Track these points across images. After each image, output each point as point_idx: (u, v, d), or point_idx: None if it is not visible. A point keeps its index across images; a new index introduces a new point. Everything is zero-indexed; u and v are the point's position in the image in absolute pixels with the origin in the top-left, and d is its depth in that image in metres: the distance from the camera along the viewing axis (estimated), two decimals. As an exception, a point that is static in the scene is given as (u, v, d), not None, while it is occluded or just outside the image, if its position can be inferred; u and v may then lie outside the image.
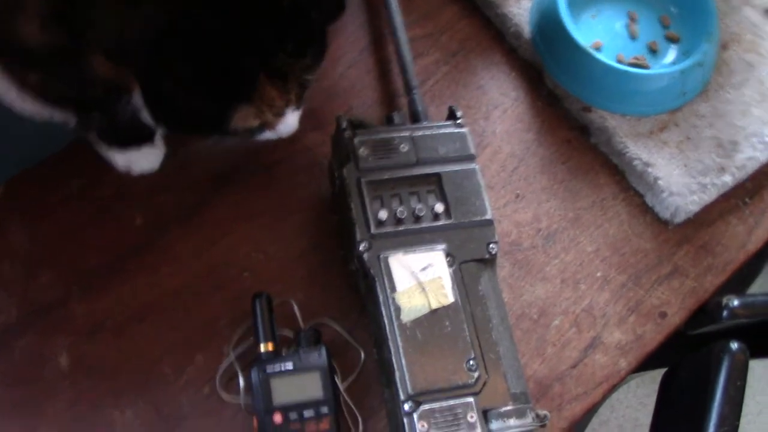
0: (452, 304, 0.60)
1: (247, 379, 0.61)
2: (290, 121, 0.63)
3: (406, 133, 0.65)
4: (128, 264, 0.67)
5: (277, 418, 0.59)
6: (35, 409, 0.61)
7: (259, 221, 0.69)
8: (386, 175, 0.64)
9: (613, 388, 0.66)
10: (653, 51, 0.75)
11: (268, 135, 0.63)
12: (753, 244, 0.71)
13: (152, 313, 0.65)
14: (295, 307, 0.65)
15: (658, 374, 0.87)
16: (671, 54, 0.75)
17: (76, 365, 0.63)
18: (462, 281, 0.61)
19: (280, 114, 0.62)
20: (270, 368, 0.60)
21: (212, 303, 0.66)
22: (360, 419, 0.62)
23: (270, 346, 0.61)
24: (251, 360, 0.62)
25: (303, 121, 0.72)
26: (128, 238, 0.68)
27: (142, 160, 0.67)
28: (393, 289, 0.60)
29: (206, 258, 0.67)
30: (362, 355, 0.65)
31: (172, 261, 0.67)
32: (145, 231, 0.68)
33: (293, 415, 0.59)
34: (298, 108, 0.63)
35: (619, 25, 0.77)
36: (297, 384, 0.60)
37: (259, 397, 0.60)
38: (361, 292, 0.65)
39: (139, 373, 0.63)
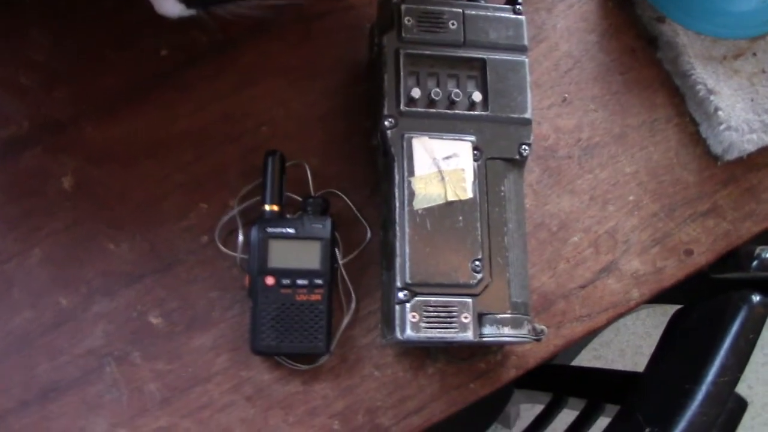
0: (470, 199, 0.57)
1: (247, 236, 0.60)
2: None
3: (459, 10, 0.60)
4: (147, 95, 0.64)
5: (270, 280, 0.58)
6: (32, 226, 0.60)
7: (288, 76, 0.66)
8: (428, 51, 0.59)
9: (619, 317, 0.63)
10: (749, -32, 0.68)
11: None
12: (804, 197, 0.66)
13: (163, 150, 0.63)
14: (308, 172, 0.62)
15: (670, 308, 0.84)
16: (768, -26, 0.67)
17: (79, 189, 0.61)
18: (485, 178, 0.58)
19: None
20: (271, 229, 0.58)
21: (225, 152, 0.63)
22: (354, 297, 0.61)
23: (275, 207, 0.59)
24: (254, 218, 0.60)
25: (352, -24, 0.68)
26: (151, 68, 0.64)
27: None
28: (411, 172, 0.57)
29: (227, 104, 0.64)
30: (369, 233, 0.62)
31: (191, 101, 0.64)
32: (170, 64, 0.65)
33: (286, 281, 0.58)
34: None
35: (719, -70, 0.69)
36: (296, 250, 0.58)
37: (255, 255, 0.58)
38: (379, 169, 0.62)
39: (141, 209, 0.62)
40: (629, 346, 1.51)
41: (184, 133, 0.63)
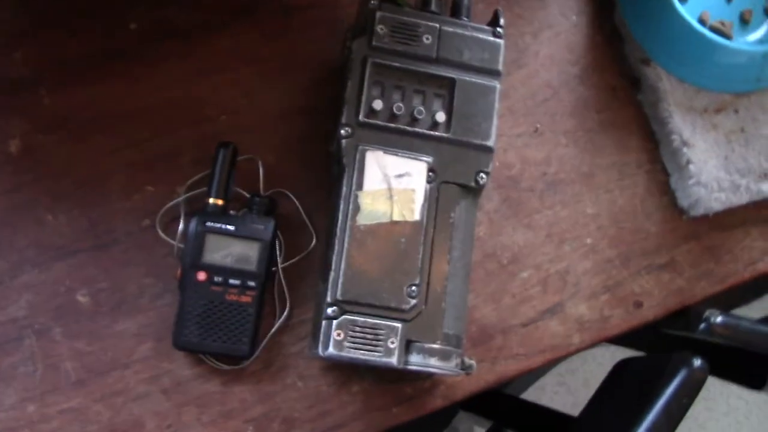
0: (416, 221, 0.55)
1: (186, 226, 0.58)
2: None
3: (436, 24, 0.58)
4: (108, 66, 0.62)
5: (201, 275, 0.56)
6: (-30, 183, 0.59)
7: (259, 67, 0.64)
8: (397, 63, 0.57)
9: (556, 360, 0.61)
10: (745, 21, 0.65)
11: None
12: (765, 264, 0.64)
13: (118, 125, 0.61)
14: (261, 169, 0.61)
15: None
16: (762, 30, 0.65)
17: (25, 154, 0.60)
18: (436, 202, 0.56)
19: None
20: (210, 223, 0.56)
21: (180, 136, 0.61)
22: (288, 304, 0.59)
23: (219, 201, 0.57)
24: (199, 208, 0.59)
25: (338, -27, 0.66)
26: (117, 40, 0.63)
27: None
28: (360, 186, 0.55)
29: (189, 87, 0.62)
30: (314, 240, 0.61)
31: (154, 78, 0.62)
32: (137, 38, 0.63)
33: (218, 278, 0.56)
34: None
35: (719, -22, 0.67)
36: (233, 248, 0.57)
37: (189, 247, 0.56)
38: (333, 177, 0.60)
39: (85, 183, 0.60)
40: (593, 376, 1.50)
41: (142, 110, 0.62)
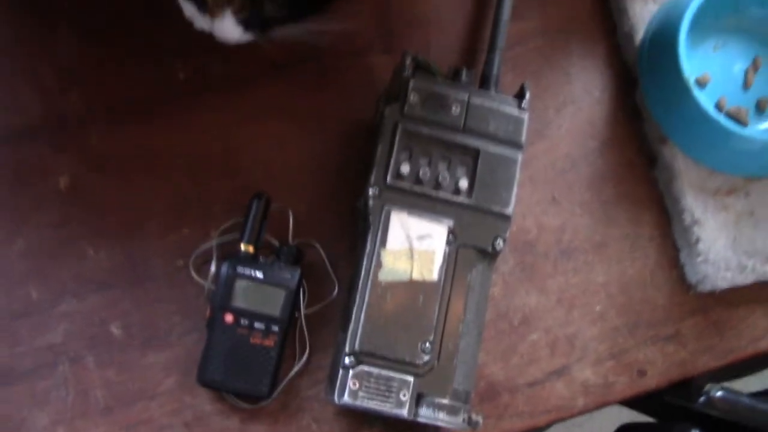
0: (434, 281, 0.58)
1: (218, 270, 0.62)
2: (225, 25, 0.58)
3: (464, 96, 0.61)
4: (156, 113, 0.66)
5: (229, 317, 0.60)
6: (21, 216, 0.63)
7: (294, 121, 0.68)
8: (426, 131, 0.61)
9: (560, 420, 0.64)
10: (761, 109, 0.68)
11: (200, 22, 0.59)
12: (767, 342, 0.67)
13: (160, 168, 0.65)
14: (291, 219, 0.64)
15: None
16: (777, 119, 0.68)
17: (73, 190, 0.64)
18: (454, 264, 0.59)
19: (218, 2, 0.57)
20: (241, 269, 0.60)
21: (218, 183, 0.65)
22: (308, 349, 0.62)
23: (251, 248, 0.61)
24: (230, 253, 0.62)
25: (377, 39, 0.70)
26: (165, 87, 0.67)
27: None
28: (384, 244, 0.59)
29: (228, 136, 0.66)
30: (336, 290, 0.64)
31: (197, 127, 0.66)
32: (184, 87, 0.67)
33: (244, 321, 0.60)
34: (238, 20, 0.58)
35: (738, 67, 0.69)
36: (260, 294, 0.60)
37: (220, 290, 0.60)
38: (358, 232, 0.64)
39: (126, 222, 0.64)
40: None
41: (184, 156, 0.66)
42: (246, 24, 0.59)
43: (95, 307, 0.62)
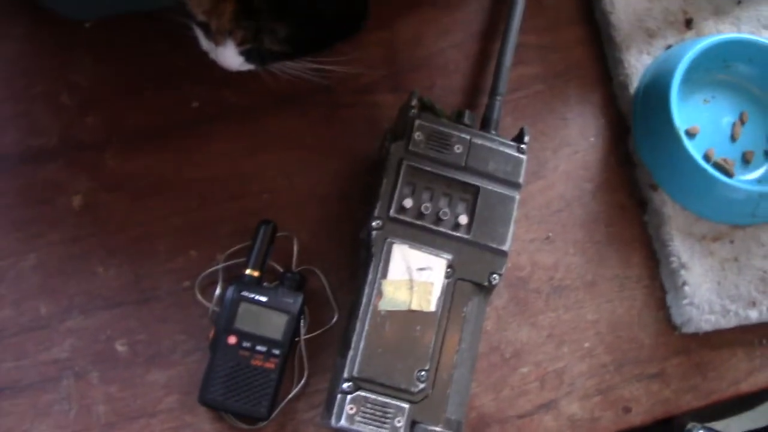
0: (432, 312, 0.61)
1: (223, 292, 0.64)
2: (226, 53, 0.62)
3: (467, 136, 0.64)
4: (169, 138, 0.69)
5: (232, 339, 0.62)
6: (35, 232, 0.65)
7: (301, 151, 0.70)
8: (429, 167, 0.63)
9: (547, 453, 0.66)
10: (746, 161, 0.72)
11: (205, 45, 0.63)
12: (747, 385, 0.69)
13: (169, 192, 0.68)
14: (295, 247, 0.67)
15: None
16: (762, 171, 0.71)
17: (86, 209, 0.66)
18: (451, 296, 0.62)
19: (221, 31, 0.60)
20: (246, 293, 0.62)
21: (225, 208, 0.68)
22: (306, 372, 0.64)
23: (256, 273, 0.64)
24: (235, 276, 0.65)
25: (383, 79, 0.73)
26: (179, 114, 0.70)
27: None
28: (385, 274, 0.61)
29: (237, 164, 0.69)
30: (336, 316, 0.66)
31: (208, 153, 0.69)
32: (196, 115, 0.70)
33: (246, 344, 0.62)
34: (239, 51, 0.61)
35: (726, 120, 0.73)
36: (263, 318, 0.62)
37: (225, 313, 0.62)
38: (360, 261, 0.66)
39: (136, 242, 0.66)
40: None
41: (193, 181, 0.68)
42: (247, 55, 0.62)
43: (102, 323, 0.64)
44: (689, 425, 0.65)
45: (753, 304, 0.68)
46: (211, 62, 0.69)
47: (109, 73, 0.70)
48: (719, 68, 0.73)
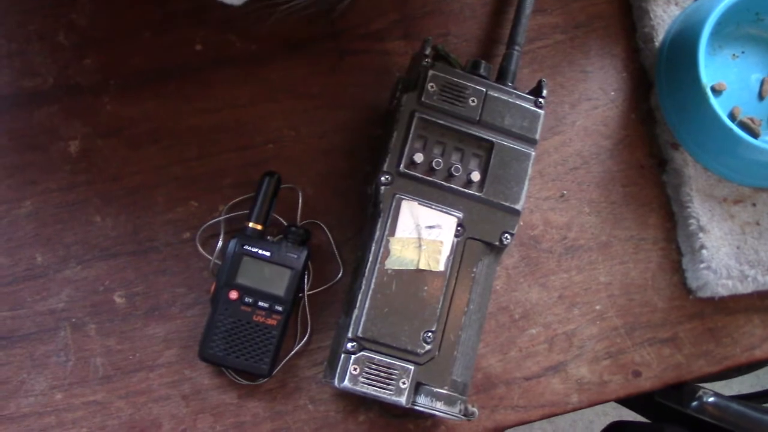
0: (440, 272, 0.59)
1: (225, 245, 0.62)
2: None
3: (482, 88, 0.61)
4: (170, 83, 0.66)
5: (233, 294, 0.60)
6: (29, 179, 0.63)
7: (308, 102, 0.67)
8: (442, 120, 0.61)
9: (552, 415, 0.65)
10: (773, 120, 0.69)
11: None
12: (761, 352, 0.67)
13: (168, 139, 0.65)
14: (300, 199, 0.64)
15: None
16: (789, 131, 0.69)
17: (82, 155, 0.64)
18: (461, 255, 0.59)
19: None
20: (248, 247, 0.60)
21: (228, 158, 0.65)
22: (309, 329, 0.63)
23: (258, 226, 0.61)
24: (238, 228, 0.62)
25: (394, 25, 0.69)
26: (181, 57, 0.66)
27: None
28: (392, 232, 0.59)
29: (241, 113, 0.66)
30: (341, 272, 0.64)
31: (210, 100, 0.66)
32: (200, 59, 0.67)
33: (248, 299, 0.60)
34: None
35: (755, 77, 0.69)
36: (266, 273, 0.60)
37: (226, 267, 0.60)
38: (366, 216, 0.64)
39: (134, 191, 0.64)
40: (582, 419, 1.53)
41: (195, 129, 0.65)
42: None
43: (99, 274, 0.62)
44: (701, 391, 0.63)
45: (773, 270, 0.65)
46: (215, 4, 0.66)
47: (108, 13, 0.66)
48: (751, 21, 0.70)
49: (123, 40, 0.66)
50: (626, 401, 0.80)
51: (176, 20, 0.67)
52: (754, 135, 0.67)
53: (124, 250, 0.63)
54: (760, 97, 0.69)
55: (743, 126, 0.67)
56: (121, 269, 0.62)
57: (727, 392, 0.91)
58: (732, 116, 0.68)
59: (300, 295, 0.62)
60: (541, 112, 0.62)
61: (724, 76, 0.69)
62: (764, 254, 0.66)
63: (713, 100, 0.64)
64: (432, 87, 0.61)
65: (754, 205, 0.67)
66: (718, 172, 0.67)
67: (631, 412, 0.89)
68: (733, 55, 0.70)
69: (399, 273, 0.58)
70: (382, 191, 0.59)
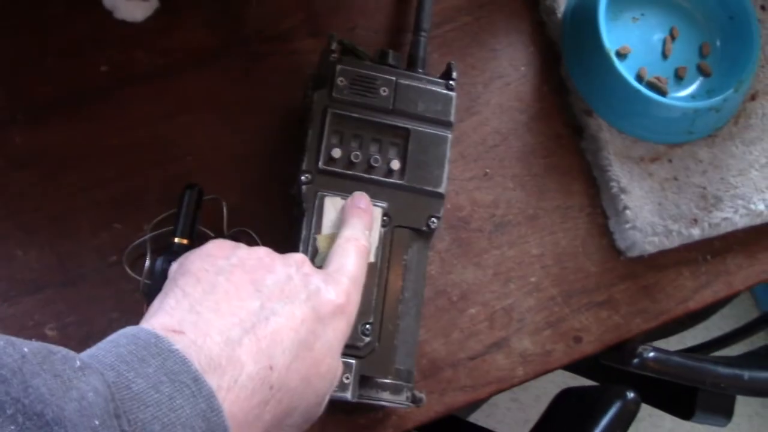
0: (371, 264, 0.59)
1: (153, 264, 0.61)
2: (130, 5, 0.58)
3: (392, 77, 0.62)
4: (80, 107, 0.65)
5: (166, 312, 0.59)
6: (-57, 221, 0.61)
7: (223, 110, 0.67)
8: (355, 113, 0.61)
9: (500, 391, 0.66)
10: (679, 77, 0.70)
11: (108, 3, 0.59)
12: (695, 302, 0.69)
13: (87, 164, 0.64)
14: (224, 209, 0.64)
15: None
16: (695, 86, 0.70)
17: (-4, 191, 0.63)
18: (390, 245, 0.60)
19: None
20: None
21: (147, 175, 0.64)
22: (249, 337, 0.62)
23: (185, 241, 0.60)
24: (165, 245, 0.62)
25: (302, 24, 0.69)
26: (88, 81, 0.65)
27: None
28: (318, 229, 0.59)
29: (156, 128, 0.65)
30: (274, 277, 0.64)
31: (123, 119, 0.65)
32: (107, 80, 0.66)
33: (182, 314, 0.59)
34: None
35: (657, 37, 0.71)
36: (197, 286, 0.60)
37: (156, 285, 0.59)
38: (292, 218, 0.64)
39: (55, 220, 0.62)
40: (545, 393, 1.55)
41: (111, 149, 0.64)
42: None
43: (27, 309, 0.61)
44: (641, 348, 0.65)
45: (695, 221, 0.67)
46: (116, 22, 0.65)
47: (3, 45, 0.65)
48: (646, -16, 0.72)
49: (26, 69, 0.65)
50: (576, 368, 0.82)
51: (79, 44, 0.66)
52: (662, 93, 0.68)
53: (50, 282, 0.61)
54: (664, 56, 0.71)
55: (651, 86, 0.68)
56: (50, 302, 0.61)
57: (681, 347, 0.94)
58: (639, 78, 0.69)
59: (236, 304, 0.62)
60: (453, 94, 0.63)
61: (627, 40, 0.70)
62: (685, 208, 0.67)
63: (618, 65, 0.66)
64: (342, 81, 0.61)
65: (670, 161, 0.69)
66: (633, 133, 0.69)
67: (584, 379, 0.91)
68: (634, 18, 0.72)
69: (330, 269, 0.58)
70: (304, 190, 0.59)
